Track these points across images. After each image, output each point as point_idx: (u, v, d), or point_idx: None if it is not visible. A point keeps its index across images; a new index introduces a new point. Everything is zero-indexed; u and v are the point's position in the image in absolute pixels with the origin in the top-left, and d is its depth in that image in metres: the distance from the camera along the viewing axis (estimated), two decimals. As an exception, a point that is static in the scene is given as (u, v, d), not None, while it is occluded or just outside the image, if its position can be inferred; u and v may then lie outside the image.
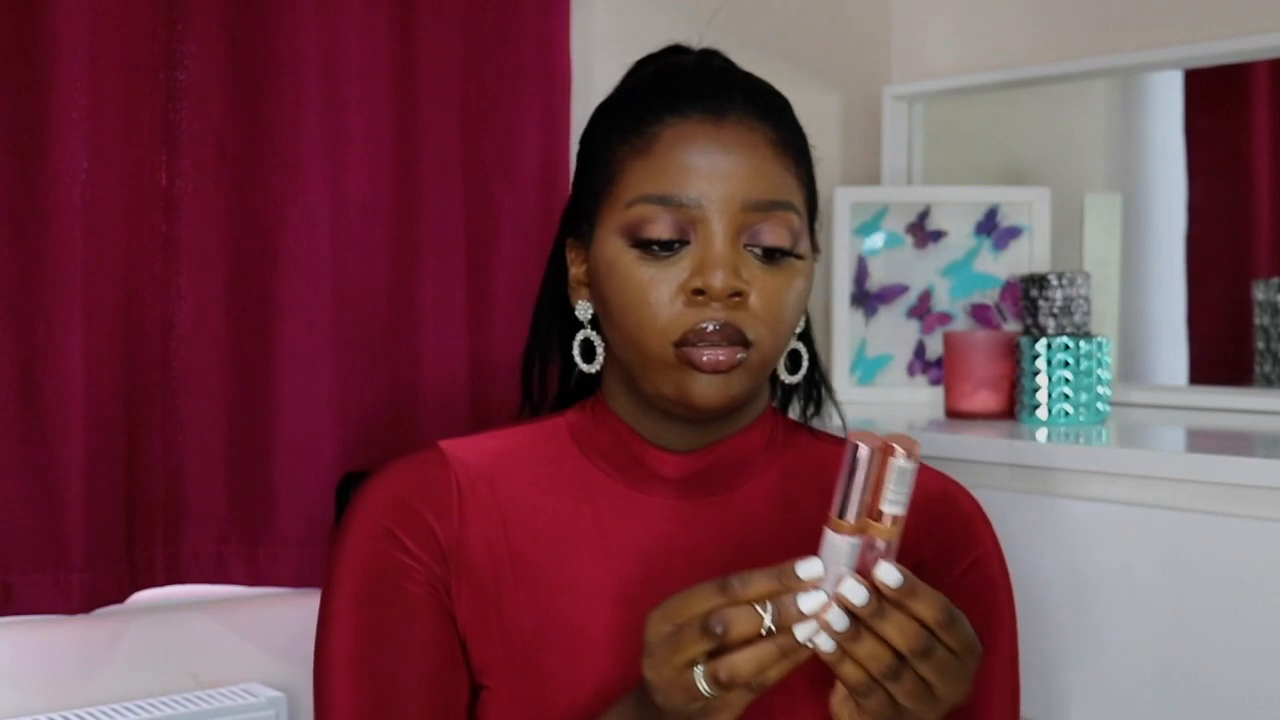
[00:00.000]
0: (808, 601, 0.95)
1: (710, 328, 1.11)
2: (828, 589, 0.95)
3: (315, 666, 1.18)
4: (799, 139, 1.19)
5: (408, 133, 1.74)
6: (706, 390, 1.11)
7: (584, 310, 1.21)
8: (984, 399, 1.91)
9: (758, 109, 1.16)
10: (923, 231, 2.14)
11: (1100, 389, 1.84)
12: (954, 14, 2.24)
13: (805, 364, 1.23)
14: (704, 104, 1.14)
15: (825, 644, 0.96)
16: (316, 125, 1.65)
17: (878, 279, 2.15)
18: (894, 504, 0.96)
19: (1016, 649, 1.26)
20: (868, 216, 2.15)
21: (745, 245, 1.12)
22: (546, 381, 1.28)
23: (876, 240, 2.15)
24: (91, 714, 1.58)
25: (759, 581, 0.96)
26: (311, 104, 1.65)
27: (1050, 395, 1.83)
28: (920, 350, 2.14)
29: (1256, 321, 2.04)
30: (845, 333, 2.14)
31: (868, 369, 2.15)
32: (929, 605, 0.96)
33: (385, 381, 1.73)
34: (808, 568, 0.96)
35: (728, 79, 1.18)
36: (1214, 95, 2.15)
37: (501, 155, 1.81)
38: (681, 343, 1.11)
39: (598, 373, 1.22)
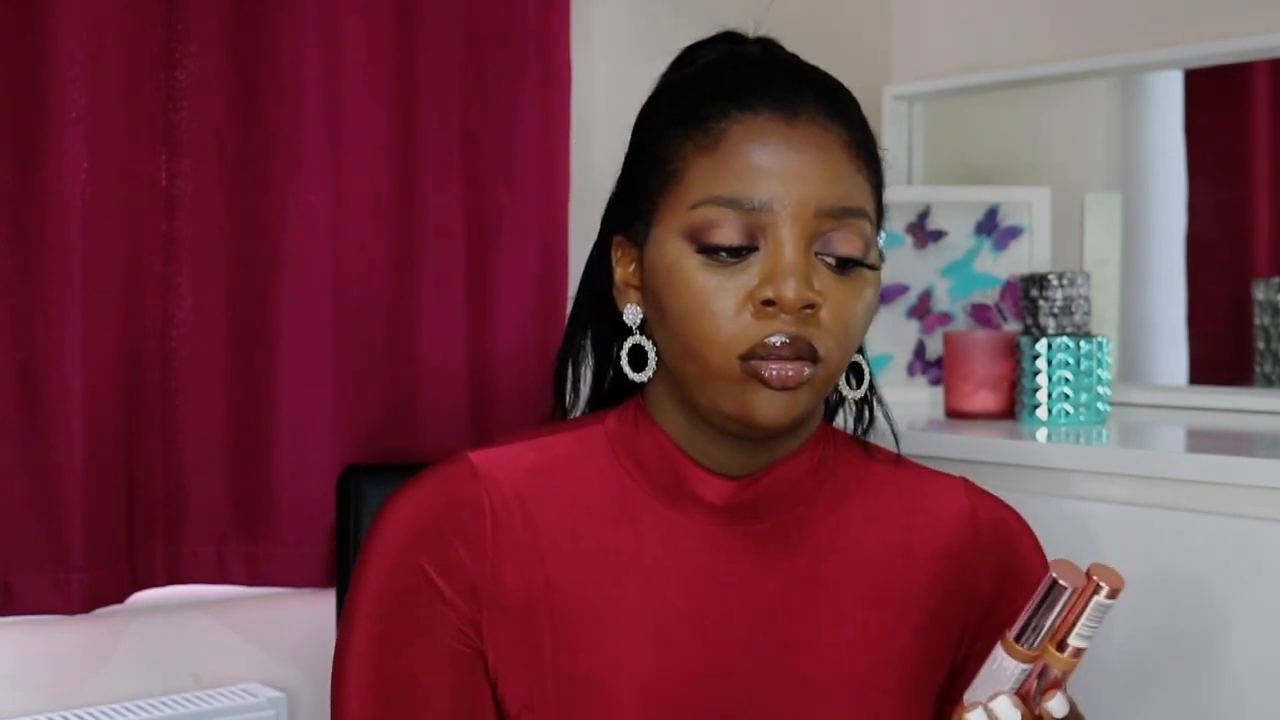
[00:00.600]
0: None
1: (779, 341, 1.03)
2: (982, 700, 0.93)
3: (332, 699, 1.11)
4: (871, 140, 1.12)
5: (408, 132, 1.74)
6: (771, 408, 1.04)
7: (633, 315, 1.12)
8: (984, 399, 1.91)
9: (830, 107, 1.08)
10: (923, 231, 2.14)
11: (1100, 389, 1.84)
12: (954, 14, 2.24)
13: (867, 378, 1.16)
14: (774, 100, 1.06)
15: None
16: (316, 125, 1.65)
17: (878, 279, 2.15)
18: (1084, 638, 0.92)
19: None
20: (868, 216, 2.15)
21: (817, 253, 1.05)
22: (580, 385, 1.20)
23: (876, 240, 2.15)
24: (92, 714, 1.58)
25: None
26: (311, 104, 1.65)
27: (1050, 395, 1.83)
28: (920, 350, 2.14)
29: (1256, 321, 2.04)
30: (845, 333, 2.14)
31: (868, 369, 2.15)
32: None
33: (385, 381, 1.72)
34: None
35: (797, 73, 1.10)
36: (1214, 95, 2.15)
37: (501, 155, 1.81)
38: (748, 356, 1.03)
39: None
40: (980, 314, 2.11)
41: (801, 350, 1.03)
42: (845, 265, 1.06)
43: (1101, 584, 0.91)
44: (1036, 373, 1.83)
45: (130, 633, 1.65)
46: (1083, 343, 1.83)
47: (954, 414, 1.93)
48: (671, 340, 1.07)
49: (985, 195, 2.12)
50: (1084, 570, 0.92)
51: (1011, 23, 2.17)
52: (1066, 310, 1.87)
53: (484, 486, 1.10)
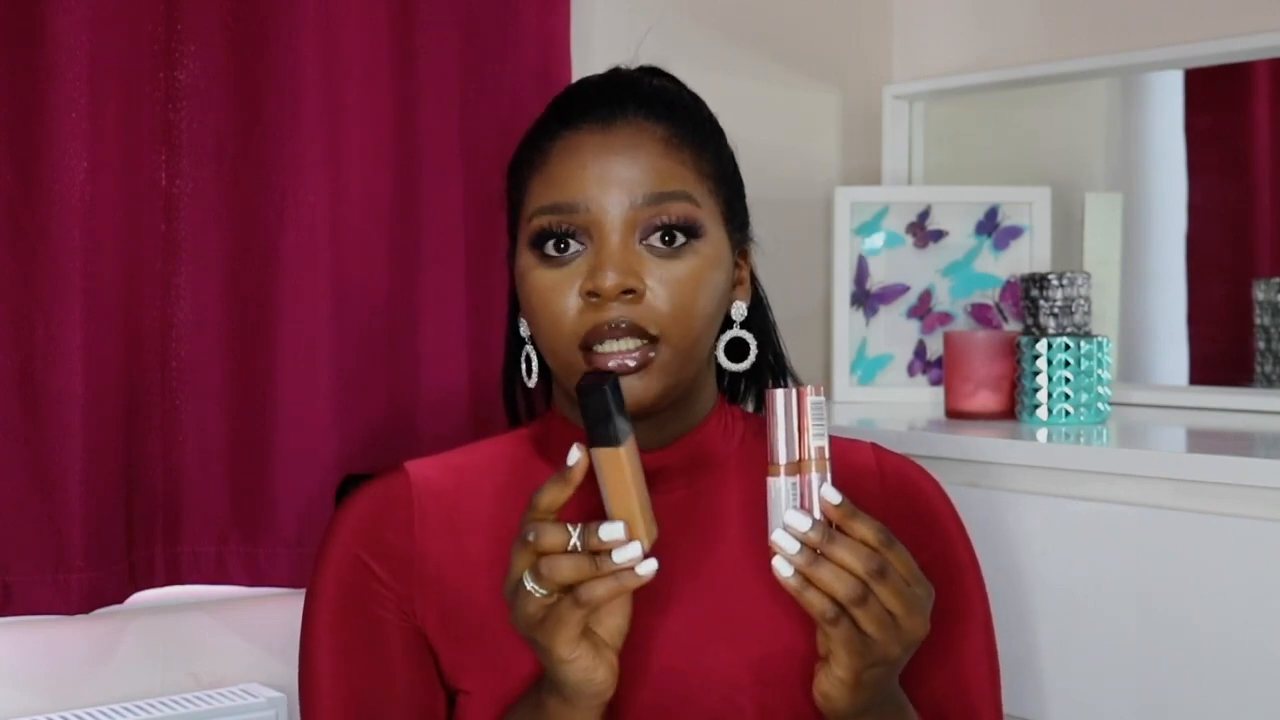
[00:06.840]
0: (608, 531, 1.01)
1: (609, 327, 1.13)
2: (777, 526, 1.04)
3: (300, 685, 1.22)
4: (699, 132, 1.21)
5: (408, 133, 1.74)
6: (626, 394, 1.11)
7: (525, 328, 1.24)
8: (984, 399, 1.91)
9: (649, 110, 1.18)
10: (923, 231, 2.14)
11: (1100, 389, 1.84)
12: (954, 14, 2.24)
13: (753, 353, 1.24)
14: (595, 114, 1.18)
15: (784, 569, 1.02)
16: (316, 125, 1.65)
17: (878, 279, 2.15)
18: (820, 436, 1.05)
19: (993, 629, 1.29)
20: (868, 216, 2.15)
21: (642, 241, 1.15)
22: (533, 401, 1.33)
23: (876, 240, 2.15)
24: (91, 714, 1.58)
25: (549, 534, 1.03)
26: (311, 104, 1.65)
27: (1050, 395, 1.83)
28: (920, 350, 2.14)
29: (1256, 321, 2.04)
30: (845, 333, 2.14)
31: (868, 369, 2.15)
32: (868, 527, 1.03)
33: (385, 382, 1.72)
34: (608, 530, 1.01)
35: (623, 88, 1.21)
36: (1214, 95, 2.15)
37: (501, 155, 1.80)
38: (585, 346, 1.13)
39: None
40: (980, 314, 2.11)
41: (633, 333, 1.13)
42: (671, 242, 1.15)
43: (807, 385, 1.06)
44: (1036, 373, 1.83)
45: (130, 633, 1.65)
46: (1083, 343, 1.83)
47: (954, 414, 1.93)
48: (537, 341, 1.19)
49: (985, 195, 2.12)
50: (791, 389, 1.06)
51: (1011, 23, 2.17)
52: (1066, 310, 1.87)
53: (411, 484, 1.23)
